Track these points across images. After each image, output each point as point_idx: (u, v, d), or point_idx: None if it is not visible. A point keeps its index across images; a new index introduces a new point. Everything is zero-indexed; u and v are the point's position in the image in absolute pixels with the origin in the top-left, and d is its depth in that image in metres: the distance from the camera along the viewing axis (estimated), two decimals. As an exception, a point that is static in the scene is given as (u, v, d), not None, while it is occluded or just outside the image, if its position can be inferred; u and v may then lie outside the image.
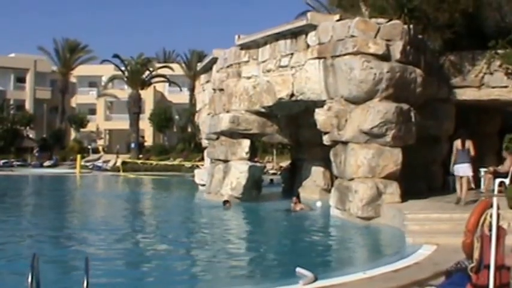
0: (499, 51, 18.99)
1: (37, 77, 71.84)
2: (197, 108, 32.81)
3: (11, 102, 66.68)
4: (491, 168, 18.53)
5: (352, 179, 16.80)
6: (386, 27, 17.09)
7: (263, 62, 21.52)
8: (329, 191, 20.24)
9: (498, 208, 6.43)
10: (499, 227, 6.48)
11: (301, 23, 19.45)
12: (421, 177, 19.89)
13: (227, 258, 12.02)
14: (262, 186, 24.77)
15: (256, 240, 15.30)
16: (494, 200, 6.47)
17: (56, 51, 70.19)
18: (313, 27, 18.75)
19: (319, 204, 20.87)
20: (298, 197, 20.60)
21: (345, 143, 17.12)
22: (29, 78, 71.53)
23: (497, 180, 15.10)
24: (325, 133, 17.95)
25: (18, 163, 55.29)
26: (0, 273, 10.37)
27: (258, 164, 24.38)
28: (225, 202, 21.40)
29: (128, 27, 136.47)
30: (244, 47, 22.63)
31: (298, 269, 9.41)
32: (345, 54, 17.05)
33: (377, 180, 16.51)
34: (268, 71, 21.03)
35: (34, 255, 6.14)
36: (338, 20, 18.15)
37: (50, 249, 12.93)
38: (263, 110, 21.77)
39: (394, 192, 16.55)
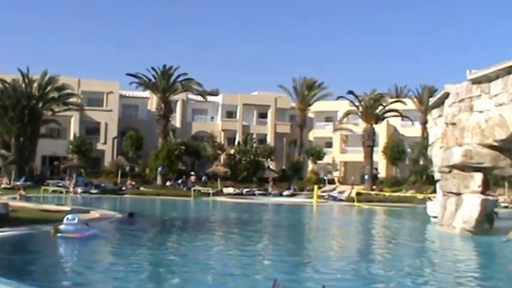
0: None
1: (277, 113, 76.52)
2: (429, 142, 33.45)
3: (254, 136, 71.78)
4: None
5: None
6: None
7: (495, 96, 21.85)
8: None
9: None
10: None
11: (534, 56, 19.68)
12: None
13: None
14: (499, 219, 24.54)
15: (490, 277, 15.21)
16: None
17: (294, 89, 74.98)
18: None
19: None
20: None
21: None
22: (270, 114, 76.56)
23: None
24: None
25: (260, 192, 59.22)
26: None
27: (490, 198, 24.36)
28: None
29: (359, 62, 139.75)
30: (476, 81, 23.09)
31: None
32: None
33: None
34: (501, 104, 21.34)
35: (275, 281, 6.59)
36: None
37: (285, 274, 13.59)
38: (495, 143, 22.01)
39: None
